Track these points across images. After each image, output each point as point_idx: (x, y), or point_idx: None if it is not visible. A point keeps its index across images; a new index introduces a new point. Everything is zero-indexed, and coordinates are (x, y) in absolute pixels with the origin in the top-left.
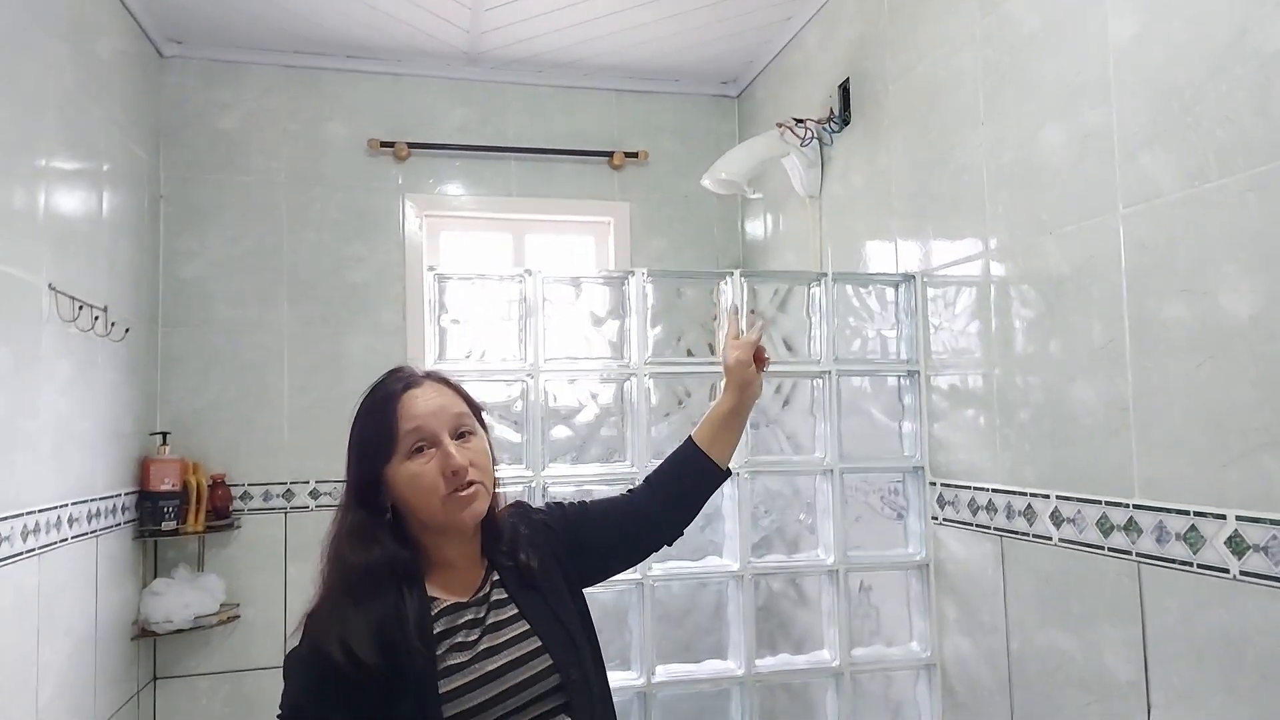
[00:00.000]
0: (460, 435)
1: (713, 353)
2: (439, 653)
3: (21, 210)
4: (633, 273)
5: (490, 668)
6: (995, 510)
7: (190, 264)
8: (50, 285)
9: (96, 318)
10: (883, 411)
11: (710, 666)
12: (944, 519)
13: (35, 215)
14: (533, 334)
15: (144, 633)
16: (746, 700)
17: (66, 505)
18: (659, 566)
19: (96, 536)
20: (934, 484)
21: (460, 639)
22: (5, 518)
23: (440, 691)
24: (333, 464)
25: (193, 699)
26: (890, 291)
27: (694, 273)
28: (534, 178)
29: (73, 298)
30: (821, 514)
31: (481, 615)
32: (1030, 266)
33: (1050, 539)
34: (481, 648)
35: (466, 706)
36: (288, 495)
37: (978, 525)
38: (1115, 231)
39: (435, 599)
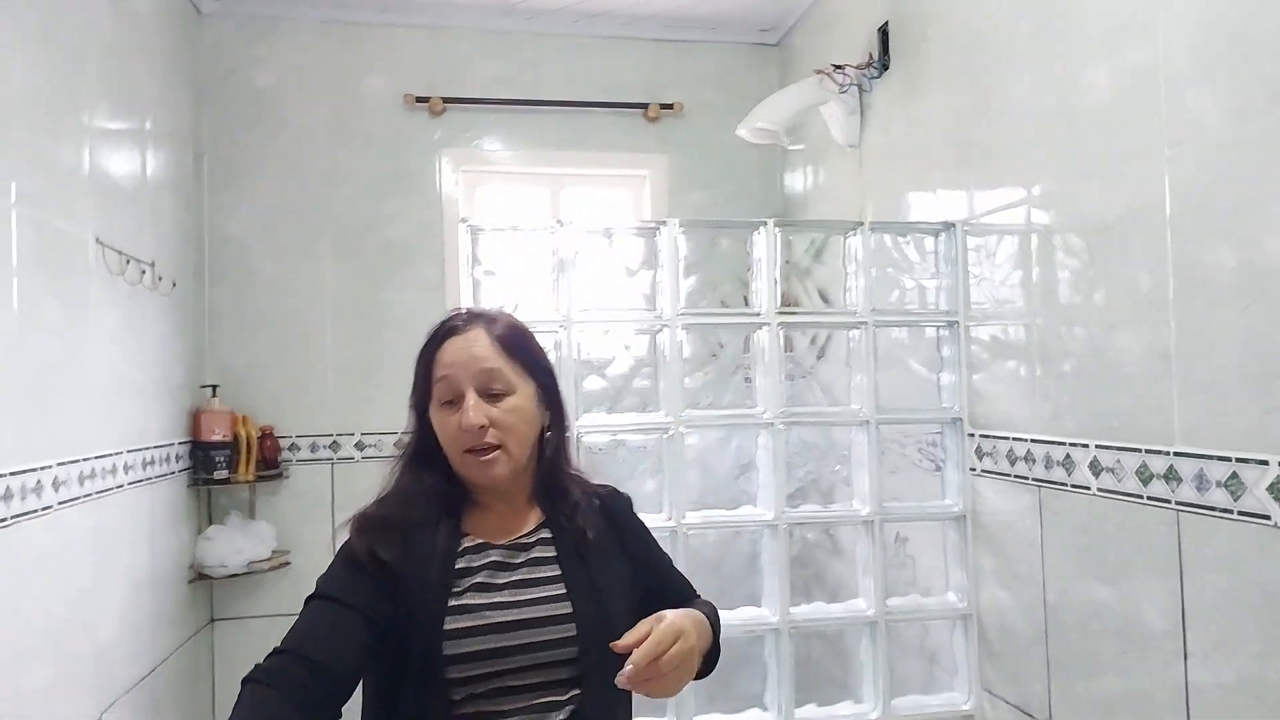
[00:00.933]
0: (491, 393)
1: (747, 304)
2: (456, 589)
3: (66, 166)
4: (664, 223)
5: (502, 619)
6: (1034, 460)
7: (233, 221)
8: (97, 239)
9: (144, 271)
10: (921, 363)
11: (744, 613)
12: (982, 470)
13: (80, 171)
14: (565, 285)
15: (200, 576)
16: (781, 647)
17: (121, 453)
18: (694, 515)
19: (151, 483)
20: (972, 435)
21: (481, 580)
22: (62, 463)
23: (445, 628)
24: (377, 417)
25: (248, 640)
26: (929, 241)
27: (727, 222)
28: (570, 131)
29: (119, 251)
30: (857, 465)
31: (514, 562)
32: (1073, 213)
33: (1089, 488)
34: (500, 597)
35: (467, 650)
36: (334, 447)
37: (1016, 476)
38: (1160, 174)
39: (465, 534)
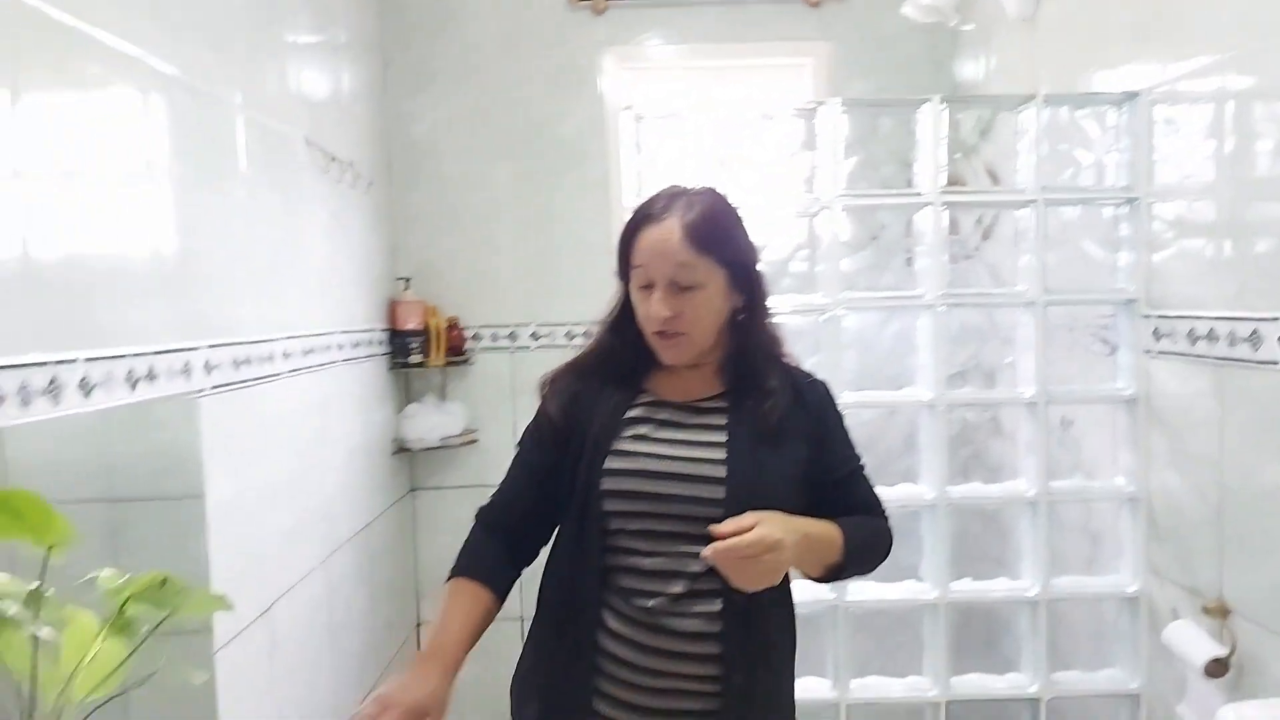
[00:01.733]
0: (681, 286)
1: (910, 186)
2: (622, 435)
3: (276, 75)
4: (824, 103)
5: (656, 467)
6: (1216, 339)
7: (418, 125)
8: (306, 139)
9: (345, 171)
10: (1095, 243)
11: (902, 490)
12: (1158, 351)
13: (287, 80)
14: (725, 169)
15: (402, 449)
16: (937, 522)
17: (334, 333)
18: (851, 395)
19: (360, 362)
20: (1148, 316)
21: (644, 431)
22: (290, 337)
23: (604, 466)
24: (550, 310)
25: (444, 507)
26: (1111, 114)
27: (889, 100)
28: (730, 23)
29: (324, 151)
30: (1022, 347)
31: (684, 422)
32: (1274, 77)
33: (1275, 363)
34: (660, 449)
35: (621, 488)
36: (512, 337)
37: (1195, 355)
38: None
39: (645, 391)
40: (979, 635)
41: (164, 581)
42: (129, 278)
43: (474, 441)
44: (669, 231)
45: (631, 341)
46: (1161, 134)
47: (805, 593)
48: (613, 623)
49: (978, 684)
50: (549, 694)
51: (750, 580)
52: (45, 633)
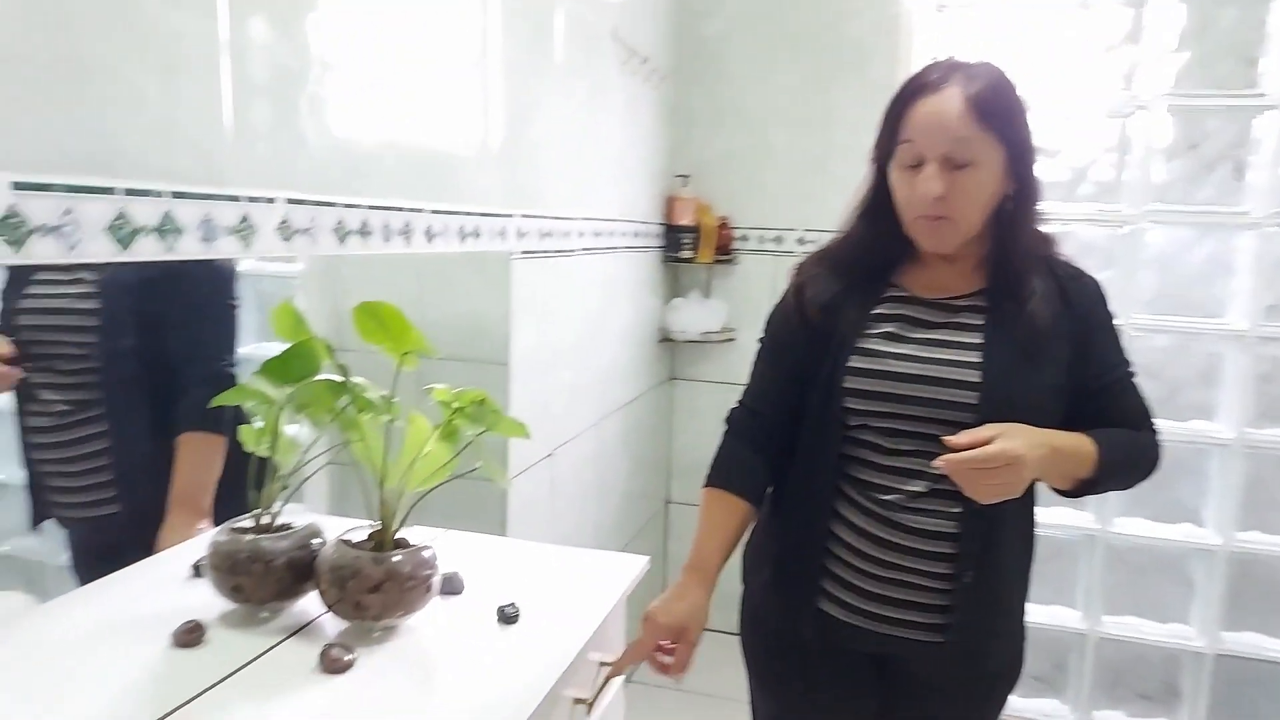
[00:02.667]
0: (954, 164)
1: (1253, 87)
2: (867, 332)
3: None
4: None
5: (902, 369)
6: None
7: (709, 22)
8: (613, 32)
9: (642, 64)
10: None
11: (1192, 426)
12: None
13: None
14: (1033, 63)
15: (665, 339)
16: (1230, 466)
17: (619, 220)
18: (1144, 316)
19: (638, 252)
20: None
21: (893, 329)
22: (585, 218)
23: (847, 364)
24: (818, 217)
25: (698, 397)
26: None
27: None
28: None
29: (626, 44)
30: None
31: (934, 320)
32: None
33: None
34: (907, 349)
35: (864, 388)
36: (777, 240)
37: None
38: None
39: (895, 285)
40: (1255, 592)
41: (483, 401)
42: (465, 149)
43: (731, 339)
44: (949, 101)
45: (885, 231)
46: None
47: (1061, 518)
48: (847, 512)
49: (1254, 643)
50: (781, 566)
51: (984, 493)
52: (398, 424)
